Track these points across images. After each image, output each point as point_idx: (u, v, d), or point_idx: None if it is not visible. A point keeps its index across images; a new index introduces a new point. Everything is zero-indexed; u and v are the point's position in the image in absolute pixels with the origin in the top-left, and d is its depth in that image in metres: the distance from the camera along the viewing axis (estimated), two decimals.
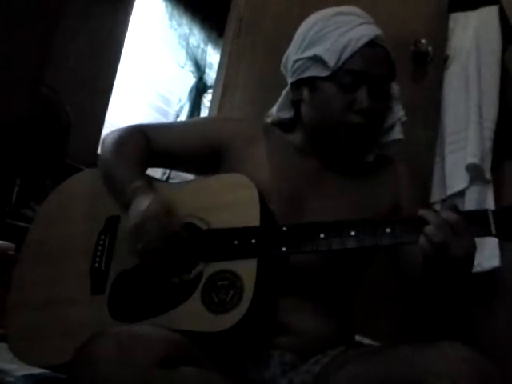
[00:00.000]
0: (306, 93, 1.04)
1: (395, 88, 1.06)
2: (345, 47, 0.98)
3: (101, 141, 1.11)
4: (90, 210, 1.04)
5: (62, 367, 0.89)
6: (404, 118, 1.07)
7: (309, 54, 1.01)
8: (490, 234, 0.84)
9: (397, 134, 1.07)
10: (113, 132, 1.10)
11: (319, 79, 1.01)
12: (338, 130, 1.00)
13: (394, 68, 1.04)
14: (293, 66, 1.04)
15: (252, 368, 0.92)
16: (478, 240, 1.46)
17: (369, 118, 0.99)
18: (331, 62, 0.98)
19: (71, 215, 1.06)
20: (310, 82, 1.02)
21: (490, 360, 0.76)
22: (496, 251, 1.48)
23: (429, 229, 0.82)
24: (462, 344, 0.77)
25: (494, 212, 0.84)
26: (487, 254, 1.48)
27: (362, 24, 1.01)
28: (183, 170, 1.21)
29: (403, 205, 1.04)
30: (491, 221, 0.84)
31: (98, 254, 0.99)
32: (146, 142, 1.06)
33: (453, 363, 0.74)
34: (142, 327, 0.83)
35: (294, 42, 1.07)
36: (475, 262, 1.45)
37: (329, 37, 0.99)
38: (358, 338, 1.12)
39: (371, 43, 0.99)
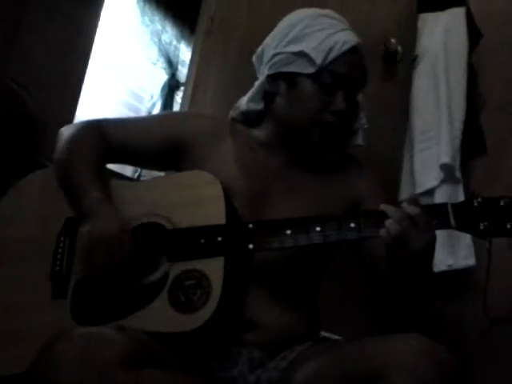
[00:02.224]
0: (283, 87, 1.04)
1: (361, 97, 1.09)
2: (331, 49, 0.99)
3: (58, 135, 1.06)
4: (47, 210, 1.02)
5: (21, 376, 0.85)
6: (366, 126, 1.10)
7: (293, 49, 1.01)
8: (449, 227, 0.86)
9: (359, 139, 1.10)
10: (68, 128, 1.07)
11: (300, 76, 1.01)
12: (311, 128, 1.01)
13: (368, 76, 1.06)
14: (272, 58, 1.04)
15: (220, 366, 0.92)
16: (453, 239, 1.50)
17: (342, 119, 1.02)
18: (318, 60, 0.99)
19: (28, 215, 1.02)
20: (289, 77, 1.03)
21: (448, 351, 0.77)
22: (471, 250, 1.51)
23: (389, 222, 0.84)
24: (421, 336, 0.78)
25: (453, 205, 0.87)
26: (462, 253, 1.51)
27: (344, 30, 1.03)
28: (144, 166, 1.20)
29: (366, 201, 1.05)
30: (450, 214, 0.86)
31: (59, 256, 0.96)
32: (102, 139, 1.03)
33: (412, 355, 0.75)
34: (103, 328, 0.81)
35: (274, 35, 1.07)
36: (451, 261, 1.50)
37: (315, 36, 1.01)
38: (326, 334, 1.13)
39: (354, 49, 1.01)
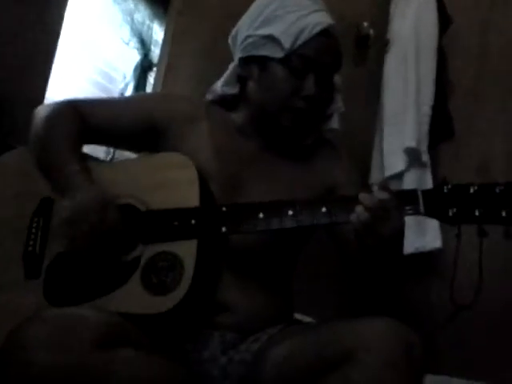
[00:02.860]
0: (255, 70, 1.03)
1: (338, 79, 1.08)
2: (301, 32, 0.98)
3: (33, 115, 1.05)
4: (20, 191, 1.00)
5: None
6: (342, 109, 1.10)
7: (263, 32, 1.01)
8: (418, 213, 0.87)
9: (334, 123, 1.10)
10: (44, 107, 1.06)
11: (271, 60, 1.01)
12: (282, 113, 1.01)
13: (342, 59, 1.05)
14: (244, 41, 1.03)
15: (192, 348, 0.93)
16: (421, 223, 1.53)
17: (312, 105, 1.01)
18: (286, 44, 0.98)
19: (1, 197, 1.01)
20: (261, 61, 1.02)
21: (414, 333, 0.80)
22: (438, 233, 1.56)
23: (359, 208, 0.85)
24: (389, 318, 0.81)
25: (423, 191, 0.88)
26: (430, 236, 1.55)
27: (317, 11, 1.01)
28: (120, 148, 1.19)
29: (340, 186, 1.06)
30: (420, 200, 0.87)
31: (32, 236, 0.95)
32: (79, 118, 1.02)
33: (379, 336, 0.77)
34: (76, 309, 0.82)
35: (246, 17, 1.06)
36: (418, 244, 1.53)
37: (286, 18, 1.00)
38: (299, 316, 1.15)
39: (325, 32, 1.00)
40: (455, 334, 1.60)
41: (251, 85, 1.05)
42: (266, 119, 1.04)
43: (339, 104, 1.09)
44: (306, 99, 1.00)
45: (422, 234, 1.53)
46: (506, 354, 1.56)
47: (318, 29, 0.99)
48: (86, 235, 0.88)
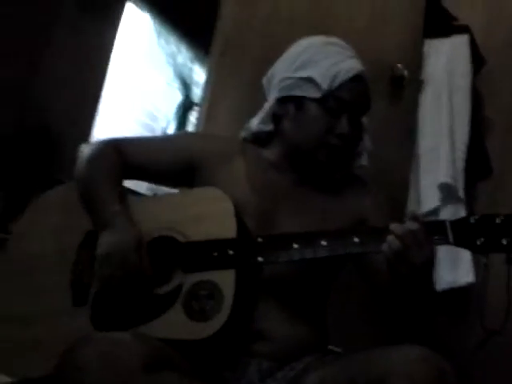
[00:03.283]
0: (291, 109, 1.09)
1: (365, 120, 1.14)
2: (336, 75, 1.05)
3: (78, 153, 1.11)
4: (66, 225, 1.06)
5: (43, 380, 0.89)
6: (370, 148, 1.15)
7: (302, 74, 1.07)
8: (448, 242, 0.90)
9: (364, 160, 1.15)
10: (88, 146, 1.12)
11: (308, 99, 1.07)
12: (318, 149, 1.06)
13: (370, 102, 1.11)
14: (281, 82, 1.10)
15: (230, 375, 0.95)
16: (453, 260, 1.53)
17: (346, 142, 1.07)
18: (324, 85, 1.05)
19: (46, 230, 1.06)
20: (298, 101, 1.08)
21: (445, 359, 0.81)
22: (470, 268, 1.55)
23: (390, 237, 0.88)
24: (420, 346, 0.82)
25: (451, 222, 0.90)
26: (462, 271, 1.55)
27: (351, 57, 1.09)
28: (158, 184, 1.25)
29: (370, 219, 1.09)
30: (449, 230, 0.89)
31: (80, 266, 1.00)
32: (119, 156, 1.08)
33: (412, 363, 0.79)
34: (123, 333, 0.85)
35: (283, 60, 1.13)
36: (451, 279, 1.53)
37: (322, 63, 1.06)
38: (332, 347, 1.16)
39: (358, 77, 1.07)
40: (487, 361, 1.57)
41: (286, 123, 1.10)
42: (301, 155, 1.09)
43: (367, 143, 1.15)
44: (340, 137, 1.05)
45: (455, 270, 1.53)
46: None
47: (351, 73, 1.06)
48: (117, 275, 0.93)
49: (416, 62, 1.76)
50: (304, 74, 1.07)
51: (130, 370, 0.76)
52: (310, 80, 1.06)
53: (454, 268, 1.52)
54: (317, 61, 1.07)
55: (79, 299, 0.98)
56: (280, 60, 1.14)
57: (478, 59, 1.75)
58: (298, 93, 1.08)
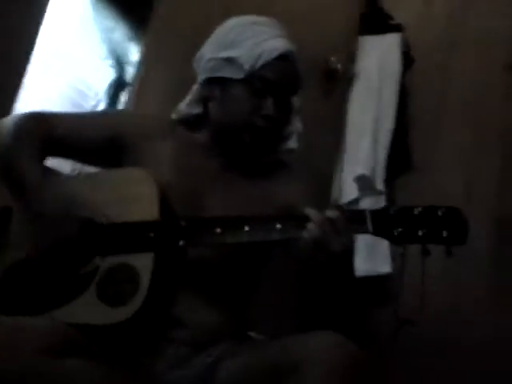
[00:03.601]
0: (217, 91, 1.08)
1: (297, 101, 1.14)
2: (260, 55, 1.04)
3: None
4: None
5: None
6: (300, 130, 1.15)
7: (225, 55, 1.06)
8: (367, 232, 0.92)
9: (292, 143, 1.15)
10: (8, 119, 1.07)
11: (232, 80, 1.06)
12: (243, 131, 1.06)
13: (300, 83, 1.11)
14: (206, 63, 1.09)
15: (146, 361, 0.94)
16: (371, 247, 1.59)
17: (271, 124, 1.06)
18: (246, 65, 1.04)
19: None
20: (222, 82, 1.07)
21: (359, 346, 0.84)
22: (388, 258, 1.62)
23: (310, 224, 0.89)
24: (334, 332, 0.84)
25: (371, 212, 0.93)
26: (379, 261, 1.61)
27: (277, 37, 1.08)
28: (84, 162, 1.20)
29: (294, 205, 1.08)
30: (368, 219, 0.92)
31: None
32: (42, 130, 1.04)
33: (326, 349, 0.81)
34: (23, 319, 0.82)
35: (209, 42, 1.12)
36: (369, 267, 1.59)
37: (245, 43, 1.05)
38: (252, 334, 1.17)
39: (283, 57, 1.06)
40: (400, 350, 1.65)
41: (213, 105, 1.10)
42: (227, 137, 1.08)
43: (297, 125, 1.15)
44: (266, 118, 1.05)
45: (373, 259, 1.59)
46: (452, 366, 1.62)
47: (276, 53, 1.05)
48: (46, 243, 0.90)
49: (350, 56, 1.80)
50: (227, 54, 1.06)
51: (27, 356, 0.73)
52: (232, 61, 1.06)
53: (372, 257, 1.58)
54: (241, 41, 1.06)
55: None
56: (208, 41, 1.13)
57: (408, 58, 1.81)
58: (222, 74, 1.07)
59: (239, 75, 1.05)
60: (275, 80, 1.05)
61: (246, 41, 1.06)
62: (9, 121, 1.05)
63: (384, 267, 1.60)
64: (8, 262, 0.94)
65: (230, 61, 1.06)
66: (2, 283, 0.93)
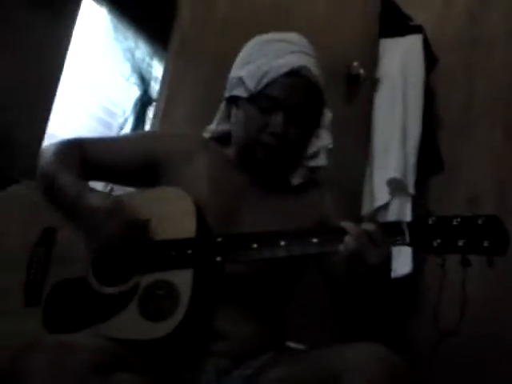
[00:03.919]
0: (233, 109, 1.11)
1: (326, 116, 1.13)
2: (265, 74, 1.05)
3: (40, 153, 1.11)
4: (23, 223, 1.04)
5: None
6: (330, 146, 1.14)
7: (237, 74, 1.09)
8: (404, 243, 0.91)
9: (321, 160, 1.13)
10: (51, 145, 1.11)
11: (242, 99, 1.08)
12: (255, 148, 1.07)
13: (319, 97, 1.09)
14: (228, 81, 1.12)
15: (187, 375, 0.96)
16: (393, 249, 1.58)
17: (281, 141, 1.05)
18: (251, 85, 1.05)
19: (4, 228, 1.04)
20: (237, 101, 1.10)
21: (401, 358, 0.84)
22: (409, 259, 1.60)
23: (347, 238, 0.89)
24: (375, 343, 0.85)
25: (408, 223, 0.92)
26: (401, 262, 1.59)
27: (291, 53, 1.06)
28: (121, 184, 1.24)
29: (328, 219, 1.10)
30: (406, 231, 0.91)
31: (34, 265, 0.99)
32: (82, 156, 1.08)
33: (366, 360, 0.81)
34: (73, 336, 0.84)
35: (236, 61, 1.14)
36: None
37: (256, 62, 1.07)
38: (292, 344, 1.18)
39: (293, 73, 1.05)
40: (441, 361, 1.62)
41: (231, 123, 1.12)
42: (244, 154, 1.10)
43: (325, 141, 1.13)
44: (274, 135, 1.05)
45: (395, 260, 1.57)
46: (492, 375, 1.58)
47: (282, 70, 1.04)
48: (108, 237, 0.93)
49: (372, 60, 1.80)
50: (237, 73, 1.09)
51: (79, 375, 0.75)
52: (240, 80, 1.07)
53: (395, 258, 1.56)
54: (252, 60, 1.08)
55: (32, 299, 0.96)
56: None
57: (430, 58, 1.80)
58: (234, 93, 1.09)
59: (245, 94, 1.07)
60: (282, 97, 1.05)
61: (256, 60, 1.07)
62: (50, 148, 1.09)
63: (404, 268, 1.58)
64: (52, 284, 0.97)
65: (239, 79, 1.08)
66: (48, 304, 0.96)
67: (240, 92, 1.08)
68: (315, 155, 1.13)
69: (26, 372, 0.75)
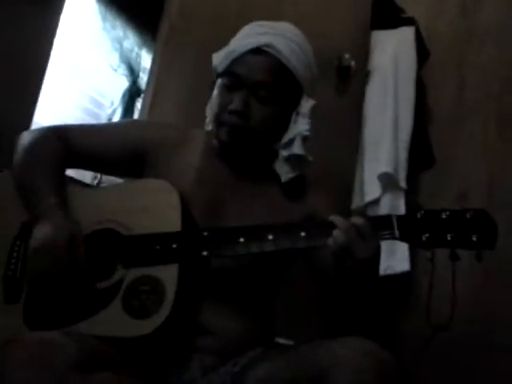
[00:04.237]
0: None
1: (307, 102, 1.07)
2: (232, 52, 1.04)
3: (17, 139, 1.07)
4: (3, 215, 1.02)
5: None
6: (306, 133, 1.07)
7: (215, 58, 1.09)
8: (394, 237, 0.91)
9: (296, 148, 1.06)
10: (28, 133, 1.08)
11: (217, 79, 1.07)
12: (218, 128, 1.05)
13: (290, 79, 1.05)
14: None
15: (172, 371, 0.94)
16: (390, 246, 1.57)
17: (242, 120, 1.02)
18: (216, 61, 1.06)
19: None
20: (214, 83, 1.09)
21: (390, 353, 0.83)
22: (406, 256, 1.59)
23: (335, 232, 0.88)
24: (364, 339, 0.84)
25: (397, 217, 0.91)
26: (398, 258, 1.59)
27: (263, 33, 1.04)
28: (105, 173, 1.21)
29: (317, 213, 1.07)
30: (395, 225, 0.90)
31: (13, 260, 0.96)
32: (62, 145, 1.04)
33: (355, 356, 0.80)
34: (54, 333, 0.82)
35: None
36: (386, 265, 1.56)
37: (231, 43, 1.07)
38: (281, 340, 1.16)
39: (258, 51, 1.03)
40: (432, 357, 1.62)
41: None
42: (216, 138, 1.07)
43: (301, 127, 1.07)
44: (233, 113, 1.02)
45: (392, 257, 1.57)
46: (485, 372, 1.59)
47: (247, 48, 1.03)
48: (48, 270, 0.90)
49: (363, 52, 1.78)
50: (216, 58, 1.08)
51: (60, 372, 0.73)
52: (216, 61, 1.07)
53: (391, 255, 1.56)
54: (230, 42, 1.08)
55: (11, 296, 0.94)
56: None
57: (423, 50, 1.78)
58: (213, 76, 1.09)
59: (216, 72, 1.07)
60: (244, 74, 1.02)
61: (232, 41, 1.07)
62: (27, 136, 1.06)
63: (403, 266, 1.57)
64: (31, 277, 0.94)
65: (216, 62, 1.08)
66: (28, 300, 0.93)
67: (213, 72, 1.07)
68: (290, 143, 1.07)
69: (5, 368, 0.73)
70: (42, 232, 0.92)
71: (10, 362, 0.73)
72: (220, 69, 1.05)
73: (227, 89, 1.04)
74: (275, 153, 1.08)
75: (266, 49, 1.03)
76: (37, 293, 0.93)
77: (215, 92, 1.06)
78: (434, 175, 1.87)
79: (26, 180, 1.00)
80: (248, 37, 1.05)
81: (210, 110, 1.08)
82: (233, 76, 1.03)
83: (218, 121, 1.04)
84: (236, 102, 1.01)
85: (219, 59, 1.06)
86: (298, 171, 1.09)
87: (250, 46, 1.03)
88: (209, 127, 1.12)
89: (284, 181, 1.08)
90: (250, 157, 1.08)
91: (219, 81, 1.06)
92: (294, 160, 1.08)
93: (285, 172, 1.08)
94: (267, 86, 1.03)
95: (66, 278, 0.91)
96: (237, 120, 1.02)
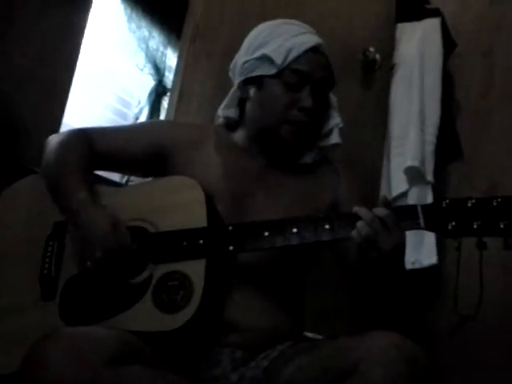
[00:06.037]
0: (252, 91, 1.10)
1: (333, 98, 1.14)
2: (290, 49, 1.05)
3: (45, 142, 1.10)
4: (35, 215, 1.04)
5: (11, 377, 0.88)
6: (341, 125, 1.14)
7: (257, 54, 1.08)
8: (419, 227, 0.90)
9: (335, 138, 1.13)
10: (56, 135, 1.11)
11: (266, 77, 1.07)
12: (281, 127, 1.06)
13: (334, 76, 1.11)
14: (241, 67, 1.11)
15: (203, 366, 0.95)
16: (417, 240, 1.55)
17: (311, 117, 1.06)
18: (278, 60, 1.05)
19: (17, 221, 1.05)
20: (258, 81, 1.08)
21: (419, 345, 0.83)
22: (434, 250, 1.57)
23: (359, 223, 0.88)
24: (393, 332, 0.83)
25: (422, 207, 0.90)
26: (426, 252, 1.57)
27: (305, 33, 1.09)
28: (129, 173, 1.24)
29: (342, 203, 1.09)
30: (420, 214, 0.90)
31: (47, 260, 0.99)
32: (88, 146, 1.07)
33: (385, 348, 0.80)
34: (91, 327, 0.85)
35: (242, 47, 1.14)
36: (413, 259, 1.55)
37: (276, 40, 1.07)
38: (310, 335, 1.17)
39: (314, 49, 1.07)
40: (460, 347, 1.60)
41: (249, 105, 1.11)
42: (266, 135, 1.09)
43: (336, 120, 1.14)
44: (304, 110, 1.05)
45: (419, 250, 1.55)
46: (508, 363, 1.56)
47: (306, 46, 1.06)
48: (98, 260, 0.92)
49: (388, 45, 1.76)
50: (259, 53, 1.08)
51: (96, 365, 0.76)
52: (265, 58, 1.07)
53: (418, 249, 1.54)
54: (271, 39, 1.08)
55: (47, 293, 0.97)
56: (241, 48, 1.14)
57: (449, 42, 1.76)
58: (256, 73, 1.08)
59: (272, 71, 1.06)
60: (309, 71, 1.06)
61: (276, 38, 1.07)
62: (55, 138, 1.09)
63: (430, 259, 1.55)
64: (66, 277, 0.98)
65: (262, 58, 1.07)
66: (63, 297, 0.96)
67: (265, 70, 1.07)
68: (328, 134, 1.13)
69: (43, 361, 0.76)
70: (82, 229, 0.94)
71: (48, 355, 0.76)
72: (279, 63, 1.04)
73: (288, 87, 1.05)
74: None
75: (319, 48, 1.08)
76: (72, 290, 0.96)
77: (272, 90, 1.06)
78: (462, 168, 1.84)
79: (55, 180, 1.02)
80: (301, 36, 1.07)
81: (262, 110, 1.08)
82: (297, 74, 1.05)
83: (283, 118, 1.05)
84: (307, 100, 1.04)
85: (276, 55, 1.05)
86: (322, 156, 1.14)
87: (308, 45, 1.06)
88: (217, 123, 1.16)
89: (309, 162, 1.12)
90: (297, 152, 1.11)
91: (274, 80, 1.06)
92: (328, 150, 1.14)
93: (310, 156, 1.13)
94: (326, 84, 1.09)
95: (117, 265, 0.92)
96: (306, 117, 1.05)
